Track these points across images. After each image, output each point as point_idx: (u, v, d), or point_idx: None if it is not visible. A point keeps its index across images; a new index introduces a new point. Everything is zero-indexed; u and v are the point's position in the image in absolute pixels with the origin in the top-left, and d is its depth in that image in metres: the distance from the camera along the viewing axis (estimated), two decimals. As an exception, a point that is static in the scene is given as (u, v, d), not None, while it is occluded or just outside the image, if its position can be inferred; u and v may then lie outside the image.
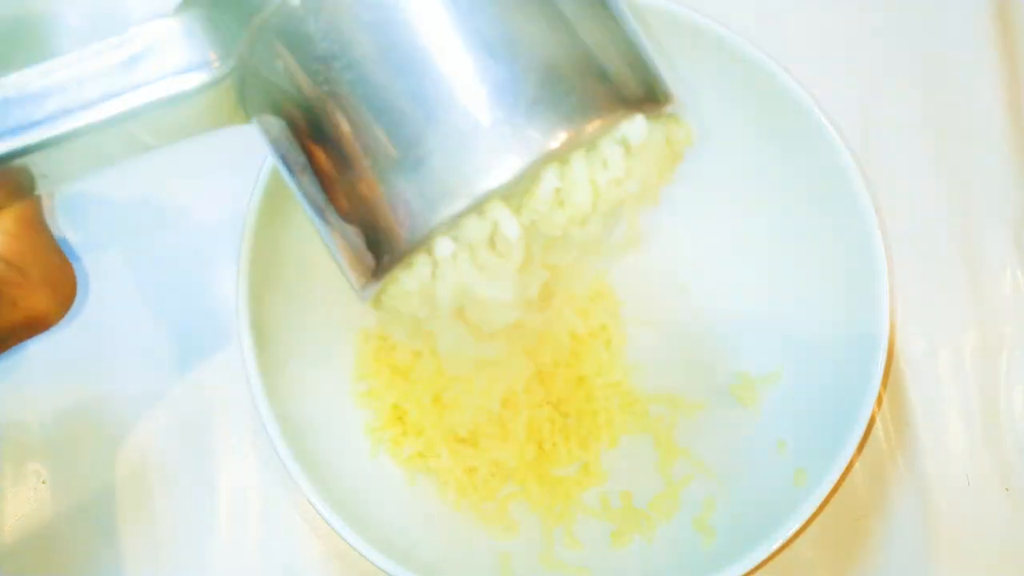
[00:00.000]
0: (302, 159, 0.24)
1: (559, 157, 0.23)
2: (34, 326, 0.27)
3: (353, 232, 0.24)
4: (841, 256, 0.36)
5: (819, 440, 0.34)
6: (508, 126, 0.22)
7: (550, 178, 0.23)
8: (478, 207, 0.22)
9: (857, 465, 0.38)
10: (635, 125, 0.23)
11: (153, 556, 0.36)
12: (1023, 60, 0.43)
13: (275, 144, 0.25)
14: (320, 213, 0.25)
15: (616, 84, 0.23)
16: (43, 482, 0.37)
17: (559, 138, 0.22)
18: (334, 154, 0.23)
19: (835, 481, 0.33)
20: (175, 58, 0.24)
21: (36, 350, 0.38)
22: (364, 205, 0.23)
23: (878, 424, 0.39)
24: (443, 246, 0.23)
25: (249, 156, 0.25)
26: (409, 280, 0.24)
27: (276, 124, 0.24)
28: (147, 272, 0.39)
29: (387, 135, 0.22)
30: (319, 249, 0.26)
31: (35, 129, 0.23)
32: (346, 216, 0.24)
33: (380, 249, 0.23)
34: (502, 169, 0.22)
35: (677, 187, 0.38)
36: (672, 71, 0.25)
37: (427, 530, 0.36)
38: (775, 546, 0.32)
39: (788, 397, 0.37)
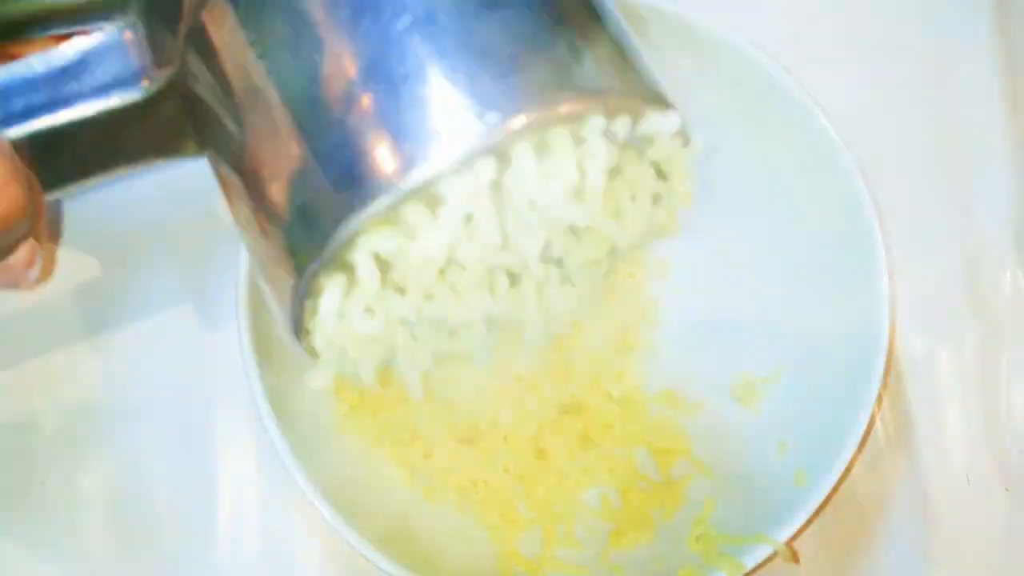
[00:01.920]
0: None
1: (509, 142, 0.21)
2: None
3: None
4: (841, 256, 0.36)
5: (819, 440, 0.34)
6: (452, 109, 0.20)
7: (525, 155, 0.21)
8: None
9: (857, 465, 0.38)
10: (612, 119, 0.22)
11: (153, 556, 0.36)
12: (1023, 60, 0.43)
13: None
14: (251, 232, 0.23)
15: (581, 75, 0.21)
16: (43, 482, 0.37)
17: (514, 124, 0.20)
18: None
19: (835, 481, 0.33)
20: (108, 70, 0.22)
21: (34, 349, 0.38)
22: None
23: (878, 424, 0.39)
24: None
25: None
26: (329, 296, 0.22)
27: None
28: (143, 259, 0.39)
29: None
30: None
31: None
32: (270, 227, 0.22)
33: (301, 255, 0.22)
34: (443, 155, 0.20)
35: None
36: (662, 79, 0.24)
37: (427, 530, 0.35)
38: (775, 546, 0.33)
39: (788, 397, 0.37)
